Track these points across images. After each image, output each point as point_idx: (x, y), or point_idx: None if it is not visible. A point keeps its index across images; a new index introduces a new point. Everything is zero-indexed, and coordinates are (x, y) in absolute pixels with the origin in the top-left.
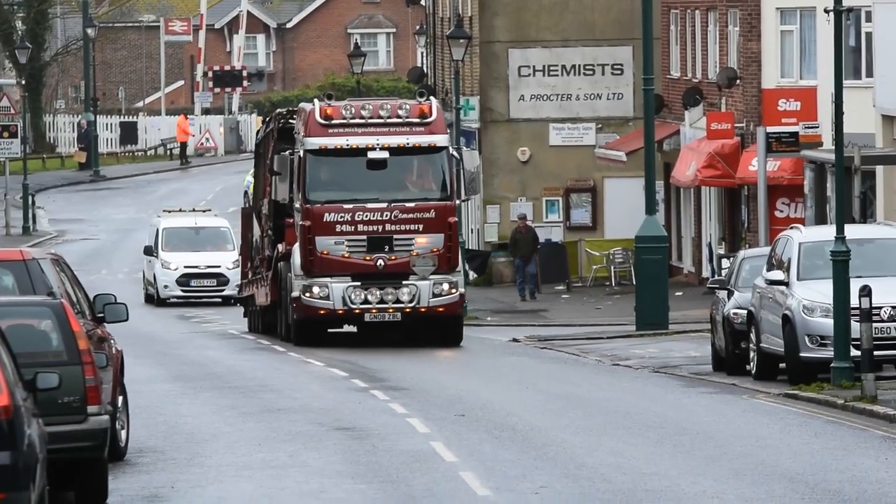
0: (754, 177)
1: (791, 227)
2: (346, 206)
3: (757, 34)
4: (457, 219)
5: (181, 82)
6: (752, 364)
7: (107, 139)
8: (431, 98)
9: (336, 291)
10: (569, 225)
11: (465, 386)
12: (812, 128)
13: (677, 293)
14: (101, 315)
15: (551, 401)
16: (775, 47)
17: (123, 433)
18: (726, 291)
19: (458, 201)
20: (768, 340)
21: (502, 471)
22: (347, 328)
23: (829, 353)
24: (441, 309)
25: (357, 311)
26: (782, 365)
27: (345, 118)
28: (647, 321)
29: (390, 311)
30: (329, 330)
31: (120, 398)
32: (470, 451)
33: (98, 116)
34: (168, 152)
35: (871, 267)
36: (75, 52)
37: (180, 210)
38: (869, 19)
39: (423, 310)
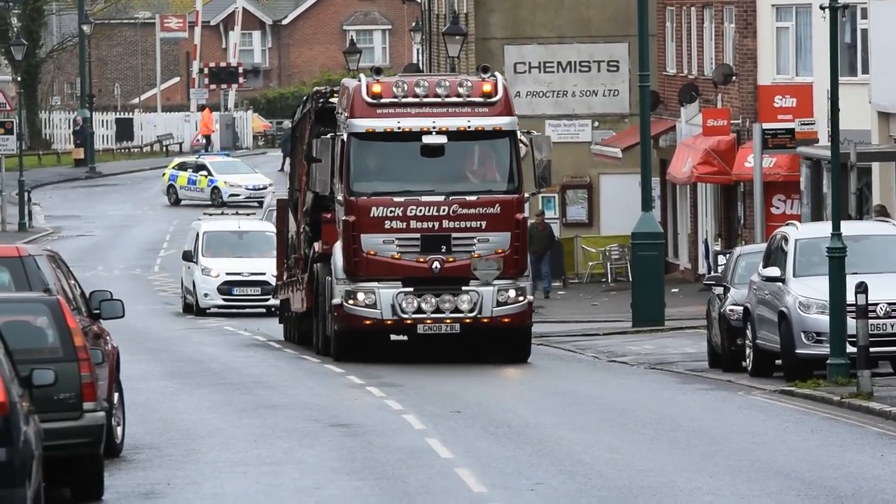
0: (750, 173)
1: (787, 224)
2: (396, 199)
3: (753, 31)
4: (526, 215)
5: (177, 79)
6: (748, 361)
7: (103, 136)
8: (496, 74)
9: (384, 298)
10: (565, 221)
11: (460, 382)
12: (808, 124)
13: (673, 290)
14: (97, 311)
15: (547, 397)
16: (771, 44)
17: (119, 429)
18: (722, 288)
19: (527, 194)
20: (764, 337)
21: (498, 467)
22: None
23: (825, 349)
24: (507, 319)
25: (408, 321)
26: (778, 361)
27: (396, 96)
28: (643, 318)
29: (447, 321)
30: (373, 342)
31: (116, 395)
32: (465, 448)
33: (94, 113)
34: (164, 149)
35: (867, 263)
36: (71, 49)
37: (223, 213)
38: (864, 16)
39: (485, 320)
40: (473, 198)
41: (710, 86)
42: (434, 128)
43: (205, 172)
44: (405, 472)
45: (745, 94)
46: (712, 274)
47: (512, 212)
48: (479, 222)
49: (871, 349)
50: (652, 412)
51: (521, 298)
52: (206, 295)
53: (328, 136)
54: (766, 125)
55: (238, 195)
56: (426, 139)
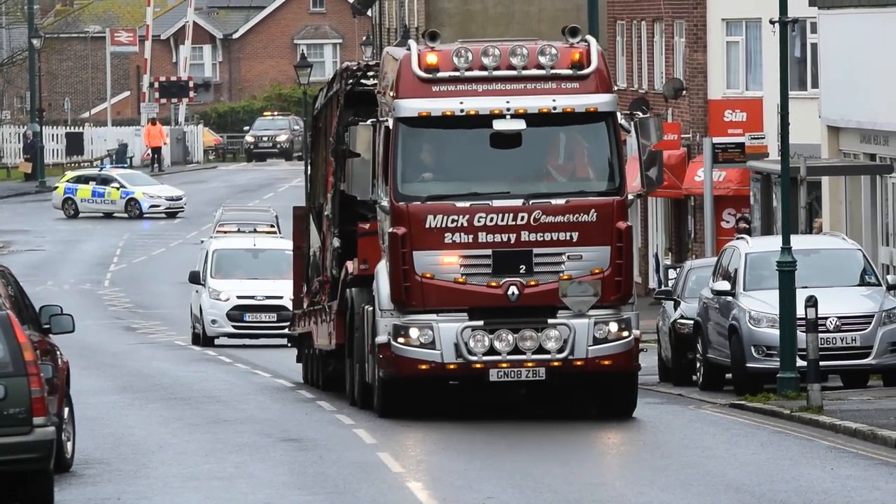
0: (700, 187)
1: (737, 238)
2: (459, 205)
3: (703, 45)
4: (630, 223)
5: (127, 93)
6: (698, 374)
7: (53, 150)
8: (589, 38)
9: (445, 335)
10: None
11: None
12: (758, 139)
13: None
14: (47, 326)
15: (497, 411)
16: (721, 58)
17: (69, 444)
18: (673, 302)
19: (631, 196)
20: (715, 351)
21: (449, 481)
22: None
23: (775, 363)
24: (606, 362)
25: (478, 365)
26: (728, 375)
27: (457, 69)
28: None
29: (529, 364)
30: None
31: (66, 409)
32: (416, 462)
33: (44, 127)
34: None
35: (816, 277)
36: (21, 63)
37: (238, 230)
38: (814, 30)
39: (578, 363)
40: (561, 201)
41: (661, 100)
42: (508, 110)
43: (116, 185)
44: (356, 486)
45: (695, 108)
46: (662, 288)
47: (612, 219)
48: (568, 234)
49: (821, 363)
50: (602, 426)
51: (624, 334)
52: (213, 321)
53: (368, 122)
54: (716, 139)
55: (158, 206)
56: (498, 125)
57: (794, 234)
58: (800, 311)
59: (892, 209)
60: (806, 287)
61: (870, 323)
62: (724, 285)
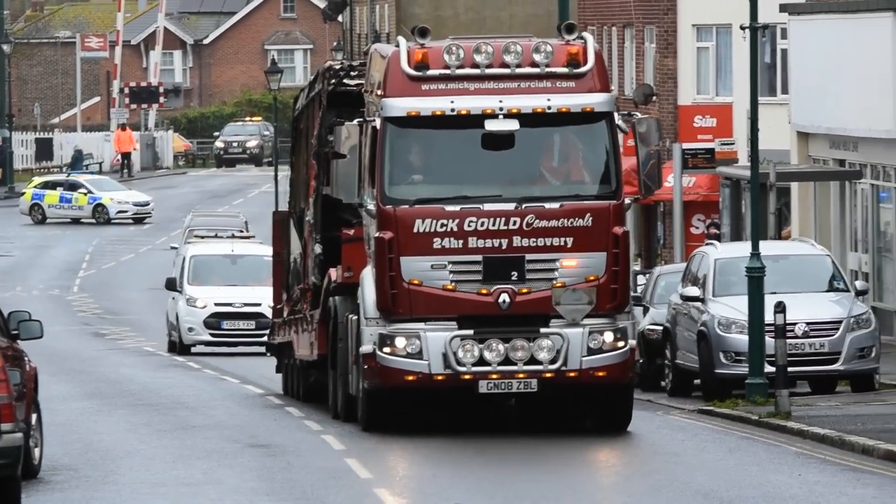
0: (670, 193)
1: (706, 244)
2: (449, 209)
3: (673, 51)
4: (627, 228)
5: (97, 98)
6: (667, 380)
7: (22, 155)
8: (585, 35)
9: (433, 345)
10: None
11: None
12: (728, 144)
13: None
14: (16, 332)
15: (464, 418)
16: (691, 64)
17: (37, 451)
18: (642, 307)
19: (627, 200)
20: (683, 357)
21: (418, 488)
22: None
23: (743, 369)
24: (601, 373)
25: (467, 376)
26: (697, 381)
27: (448, 66)
28: None
29: (520, 376)
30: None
31: (34, 415)
32: (385, 468)
33: (13, 133)
34: (84, 168)
35: (785, 283)
36: None
37: (216, 235)
38: (784, 36)
39: (572, 374)
40: (555, 205)
41: (631, 106)
42: (501, 109)
43: (83, 190)
44: (324, 492)
45: (665, 113)
46: (631, 293)
47: (608, 224)
48: (562, 239)
49: (790, 369)
50: (571, 432)
51: (620, 344)
52: (190, 329)
53: (355, 121)
54: (686, 145)
55: (126, 211)
56: (490, 125)
57: (763, 240)
58: (768, 316)
59: (861, 215)
60: (775, 293)
61: (838, 329)
62: (694, 291)
